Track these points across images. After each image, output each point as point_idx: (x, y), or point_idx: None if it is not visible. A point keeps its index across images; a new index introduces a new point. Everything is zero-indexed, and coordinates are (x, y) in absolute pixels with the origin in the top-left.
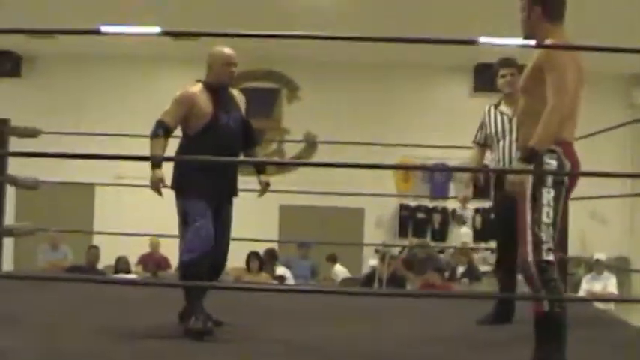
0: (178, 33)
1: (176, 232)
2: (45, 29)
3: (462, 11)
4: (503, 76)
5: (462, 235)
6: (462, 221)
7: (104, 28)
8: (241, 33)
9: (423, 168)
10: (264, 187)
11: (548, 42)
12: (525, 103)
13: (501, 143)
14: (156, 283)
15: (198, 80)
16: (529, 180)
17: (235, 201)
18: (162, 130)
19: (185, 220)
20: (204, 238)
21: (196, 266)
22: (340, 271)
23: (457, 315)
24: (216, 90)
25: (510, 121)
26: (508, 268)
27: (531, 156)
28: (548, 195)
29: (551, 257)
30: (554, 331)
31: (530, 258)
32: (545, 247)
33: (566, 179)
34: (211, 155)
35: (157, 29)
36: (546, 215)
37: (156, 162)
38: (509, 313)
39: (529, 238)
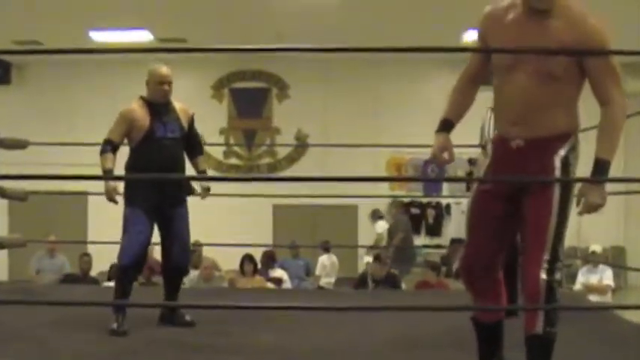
0: (174, 49)
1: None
2: (34, 49)
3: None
4: None
5: (377, 227)
6: (377, 215)
7: (95, 36)
8: (233, 47)
9: (415, 179)
10: (205, 193)
11: (591, 21)
12: (543, 88)
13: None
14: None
15: (141, 97)
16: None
17: (229, 202)
18: (109, 147)
19: (123, 225)
20: (135, 245)
21: (126, 270)
22: (327, 262)
23: (452, 313)
24: (154, 104)
25: None
26: (507, 265)
27: (603, 166)
28: (571, 206)
29: (559, 276)
30: (546, 352)
31: (545, 277)
32: (559, 265)
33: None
34: (149, 164)
35: (147, 34)
36: (565, 227)
37: (106, 174)
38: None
39: (546, 256)
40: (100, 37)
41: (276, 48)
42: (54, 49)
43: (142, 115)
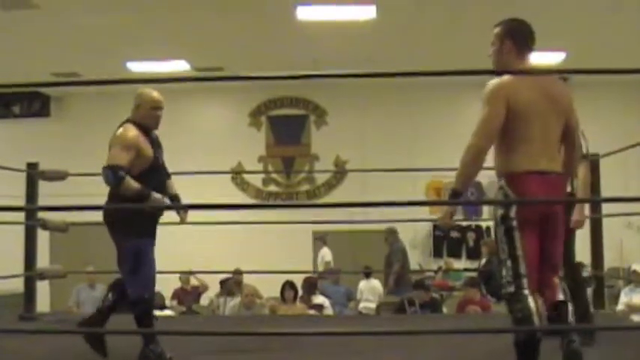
0: (212, 78)
1: (203, 266)
2: (74, 80)
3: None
4: None
5: (325, 255)
6: (323, 241)
7: (133, 67)
8: (270, 75)
9: (453, 203)
10: (183, 219)
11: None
12: None
13: None
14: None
15: (128, 120)
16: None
17: (269, 229)
18: (123, 172)
19: (137, 258)
20: (152, 277)
21: (149, 302)
22: (365, 287)
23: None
24: (148, 131)
25: None
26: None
27: (452, 194)
28: (499, 231)
29: (510, 289)
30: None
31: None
32: (504, 281)
33: (516, 210)
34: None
35: (184, 64)
36: (502, 251)
37: (145, 193)
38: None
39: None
40: (138, 68)
41: (313, 75)
42: (91, 81)
43: (144, 143)
